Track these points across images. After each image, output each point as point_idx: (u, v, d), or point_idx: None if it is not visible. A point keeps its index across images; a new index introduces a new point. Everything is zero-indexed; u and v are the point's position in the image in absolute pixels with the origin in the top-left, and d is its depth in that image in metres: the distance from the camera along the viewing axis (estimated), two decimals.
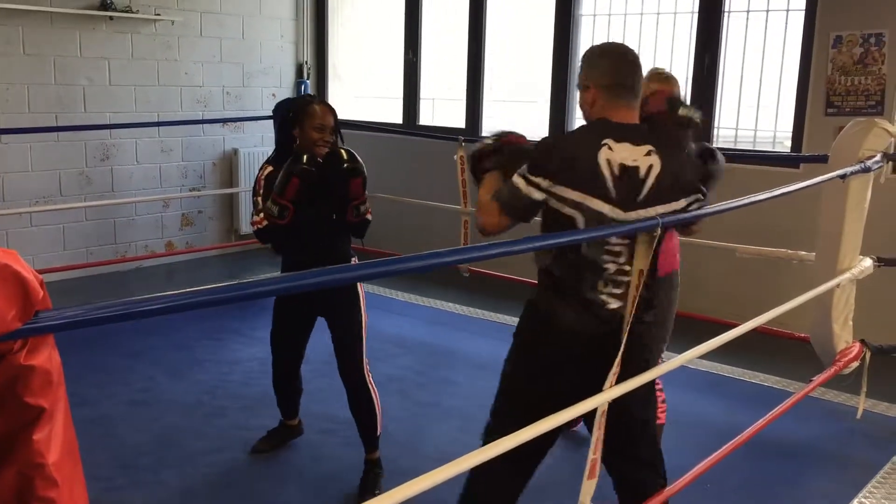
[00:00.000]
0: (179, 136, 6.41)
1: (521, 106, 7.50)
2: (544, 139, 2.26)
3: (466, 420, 3.60)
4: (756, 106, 5.21)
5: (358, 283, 3.14)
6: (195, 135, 6.52)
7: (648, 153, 2.17)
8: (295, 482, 3.22)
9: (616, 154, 2.15)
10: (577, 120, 5.83)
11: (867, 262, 3.66)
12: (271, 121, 5.90)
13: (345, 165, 3.04)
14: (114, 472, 3.21)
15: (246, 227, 6.80)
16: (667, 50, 5.41)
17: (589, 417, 2.21)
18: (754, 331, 2.94)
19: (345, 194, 3.08)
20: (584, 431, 2.56)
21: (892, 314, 4.52)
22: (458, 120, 6.50)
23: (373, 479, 3.15)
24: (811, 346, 3.81)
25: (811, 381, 3.38)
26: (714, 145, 5.23)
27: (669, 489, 2.44)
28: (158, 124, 6.16)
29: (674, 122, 2.31)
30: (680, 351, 2.62)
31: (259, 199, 3.08)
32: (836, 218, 3.52)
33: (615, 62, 2.25)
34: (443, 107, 7.15)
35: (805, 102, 4.86)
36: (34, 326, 1.20)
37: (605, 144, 2.15)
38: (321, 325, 3.25)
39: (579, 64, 2.33)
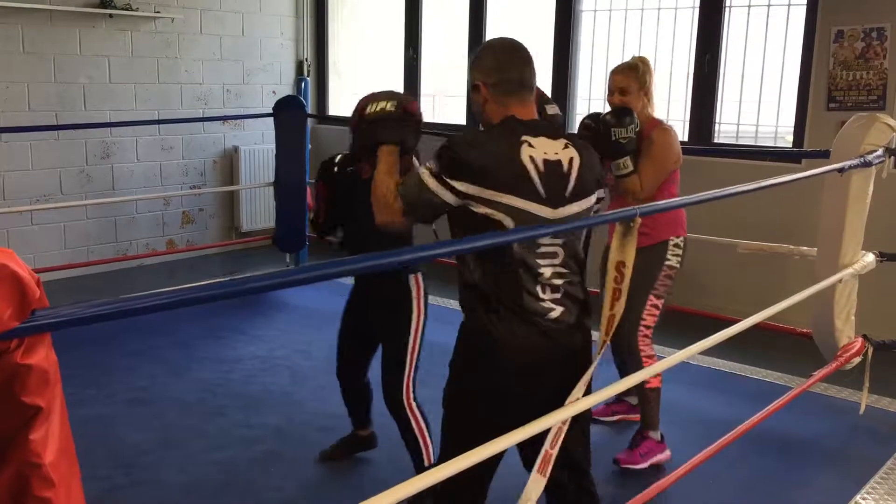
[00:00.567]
0: (180, 134, 6.41)
1: None
2: (458, 137, 2.07)
3: None
4: (757, 101, 5.20)
5: (416, 307, 3.00)
6: (196, 132, 6.51)
7: (566, 146, 2.08)
8: (295, 480, 3.21)
9: (537, 150, 2.03)
10: (579, 115, 5.82)
11: (869, 258, 3.65)
12: (272, 118, 5.90)
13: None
14: (114, 472, 3.21)
15: (246, 225, 6.80)
16: (668, 45, 5.40)
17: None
18: (756, 326, 2.93)
19: None
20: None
21: (895, 309, 4.51)
22: (458, 116, 6.49)
23: None
24: (813, 341, 3.80)
25: (811, 375, 3.37)
26: (715, 141, 5.27)
27: (666, 480, 2.40)
28: (159, 122, 6.16)
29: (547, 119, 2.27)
30: (681, 347, 2.61)
31: None
32: (837, 213, 3.51)
33: (501, 58, 2.12)
34: (444, 103, 7.14)
35: (807, 97, 4.85)
36: (31, 325, 1.20)
37: (524, 142, 2.03)
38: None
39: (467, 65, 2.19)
